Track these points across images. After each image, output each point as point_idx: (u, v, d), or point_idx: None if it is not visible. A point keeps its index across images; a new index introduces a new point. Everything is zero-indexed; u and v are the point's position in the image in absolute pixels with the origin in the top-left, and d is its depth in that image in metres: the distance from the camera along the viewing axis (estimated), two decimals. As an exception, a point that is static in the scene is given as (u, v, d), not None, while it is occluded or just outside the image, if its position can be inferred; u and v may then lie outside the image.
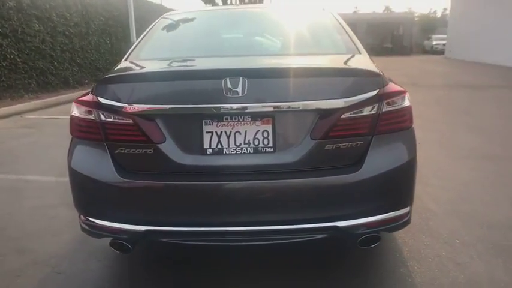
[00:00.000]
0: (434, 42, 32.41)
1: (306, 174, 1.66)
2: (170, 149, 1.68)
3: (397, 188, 1.76)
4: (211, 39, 2.45)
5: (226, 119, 1.67)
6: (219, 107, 1.63)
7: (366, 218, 1.71)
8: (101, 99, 1.71)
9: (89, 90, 1.96)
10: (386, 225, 1.77)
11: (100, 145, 1.74)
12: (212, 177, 1.68)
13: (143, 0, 14.29)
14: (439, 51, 29.54)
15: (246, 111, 1.64)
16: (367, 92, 1.68)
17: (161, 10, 15.86)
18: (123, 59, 2.17)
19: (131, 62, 2.11)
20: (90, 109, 1.74)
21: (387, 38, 34.69)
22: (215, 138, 1.68)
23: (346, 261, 2.27)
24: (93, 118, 1.74)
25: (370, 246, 1.84)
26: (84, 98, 1.80)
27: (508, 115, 6.53)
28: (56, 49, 9.58)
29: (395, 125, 1.75)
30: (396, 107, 1.74)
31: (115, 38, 12.37)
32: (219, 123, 1.67)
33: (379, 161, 1.69)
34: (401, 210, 1.78)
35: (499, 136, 5.11)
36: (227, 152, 1.68)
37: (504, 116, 6.48)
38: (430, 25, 38.88)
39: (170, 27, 2.57)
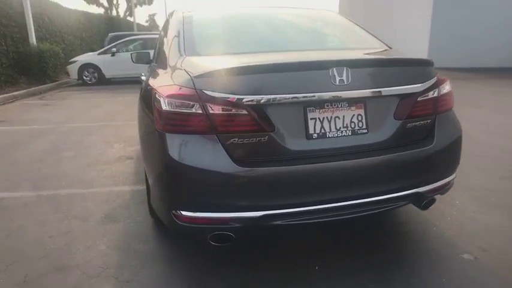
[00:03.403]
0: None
1: (394, 150, 1.93)
2: (280, 136, 1.78)
3: (454, 156, 2.13)
4: (261, 35, 2.54)
5: (327, 105, 1.84)
6: (325, 94, 1.80)
7: (436, 183, 2.04)
8: (209, 93, 1.73)
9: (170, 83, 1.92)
10: (444, 188, 2.14)
11: (209, 137, 1.75)
12: (319, 159, 1.83)
13: (39, -2, 12.86)
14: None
15: (345, 97, 1.84)
16: (431, 78, 2.02)
17: (56, 8, 14.46)
18: (184, 56, 2.13)
19: (203, 57, 2.11)
20: (194, 102, 1.74)
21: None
22: (318, 124, 1.84)
23: (383, 231, 2.60)
24: (199, 112, 1.74)
25: (429, 208, 2.20)
26: (182, 92, 1.78)
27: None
28: None
29: (447, 105, 2.12)
30: (446, 91, 2.12)
31: (11, 40, 10.92)
32: (321, 110, 1.84)
33: (443, 135, 2.04)
34: (453, 175, 2.17)
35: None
36: (329, 136, 1.85)
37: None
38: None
39: (203, 25, 2.57)
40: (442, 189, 2.13)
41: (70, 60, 12.21)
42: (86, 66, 11.84)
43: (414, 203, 2.12)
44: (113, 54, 11.77)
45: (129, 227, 2.70)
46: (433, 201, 2.16)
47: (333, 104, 1.84)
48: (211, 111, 1.73)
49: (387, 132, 1.93)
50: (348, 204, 1.86)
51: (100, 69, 11.77)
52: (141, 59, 4.37)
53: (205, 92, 1.73)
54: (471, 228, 2.55)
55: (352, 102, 1.87)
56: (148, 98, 2.23)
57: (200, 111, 1.74)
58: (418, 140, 2.01)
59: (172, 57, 2.28)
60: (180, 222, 1.85)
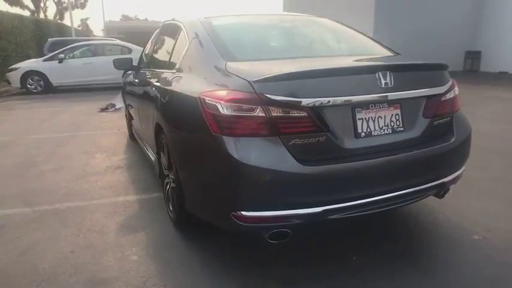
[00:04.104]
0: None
1: (425, 145, 2.14)
2: (334, 135, 1.92)
3: (467, 149, 2.40)
4: (283, 42, 2.65)
5: (372, 106, 2.01)
6: (373, 96, 1.97)
7: (455, 173, 2.30)
8: (271, 96, 1.81)
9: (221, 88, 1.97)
10: (458, 178, 2.40)
11: (272, 139, 1.83)
12: (367, 155, 1.98)
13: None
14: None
15: (387, 99, 2.02)
16: (449, 80, 2.29)
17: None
18: (223, 61, 2.17)
19: (246, 63, 2.16)
20: (256, 106, 1.81)
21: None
22: (365, 123, 2.00)
23: (399, 224, 2.83)
24: (261, 114, 1.81)
25: (444, 197, 2.46)
26: (244, 96, 1.83)
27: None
28: None
29: (459, 105, 2.40)
30: (457, 92, 2.39)
31: None
32: (367, 111, 2.00)
33: (460, 131, 2.31)
34: (464, 167, 2.45)
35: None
36: (374, 134, 2.02)
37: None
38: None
39: (226, 31, 2.60)
40: (457, 179, 2.40)
41: (10, 67, 11.30)
42: (29, 74, 11.00)
43: (436, 192, 2.36)
44: (61, 60, 11.08)
45: (152, 236, 2.66)
46: (448, 190, 2.42)
47: (376, 105, 2.02)
48: (274, 114, 1.82)
49: (419, 130, 2.15)
50: (393, 196, 2.04)
51: (46, 76, 11.02)
52: (123, 65, 4.31)
53: (266, 95, 1.81)
54: (470, 213, 2.87)
55: (391, 103, 2.06)
56: (183, 105, 2.25)
57: (262, 114, 1.82)
58: (441, 136, 2.25)
59: (205, 63, 2.32)
60: (241, 223, 1.89)
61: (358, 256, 2.33)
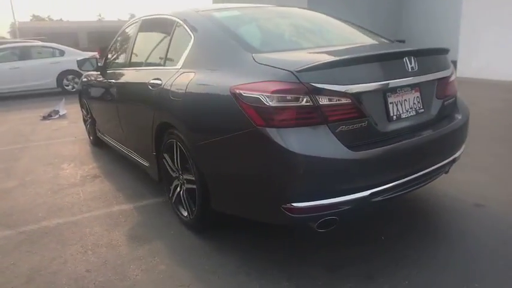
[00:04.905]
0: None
1: (442, 124, 2.30)
2: (373, 120, 1.97)
3: (468, 127, 2.61)
4: (291, 32, 2.62)
5: (399, 90, 2.10)
6: (402, 81, 2.06)
7: (460, 150, 2.50)
8: (317, 85, 1.80)
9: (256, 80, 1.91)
10: (461, 154, 2.61)
11: (320, 127, 1.82)
12: (401, 137, 2.07)
13: None
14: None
15: (410, 83, 2.12)
16: (451, 64, 2.46)
17: None
18: (248, 53, 2.09)
19: (276, 53, 2.12)
20: (303, 95, 1.79)
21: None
22: (394, 107, 2.08)
23: (405, 204, 2.98)
24: (309, 104, 1.80)
25: (448, 172, 2.65)
26: (290, 87, 1.79)
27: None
28: None
29: (457, 87, 2.59)
30: (456, 75, 2.59)
31: None
32: (395, 95, 2.09)
33: (463, 110, 2.51)
34: (464, 144, 2.66)
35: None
36: (403, 117, 2.12)
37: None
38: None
39: (235, 23, 2.51)
40: (461, 155, 2.60)
41: None
42: None
43: (446, 169, 2.53)
44: (-19, 66, 9.88)
45: (170, 242, 2.51)
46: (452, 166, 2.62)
47: (402, 89, 2.12)
48: (321, 102, 1.81)
49: (435, 110, 2.29)
50: (424, 173, 2.17)
51: (-34, 84, 9.76)
52: (88, 65, 4.06)
53: (312, 84, 1.80)
54: (463, 185, 3.12)
55: (414, 86, 2.17)
56: (208, 100, 2.17)
57: (309, 103, 1.80)
58: (450, 114, 2.42)
59: (224, 56, 2.24)
60: (292, 215, 1.87)
61: (385, 236, 2.43)
